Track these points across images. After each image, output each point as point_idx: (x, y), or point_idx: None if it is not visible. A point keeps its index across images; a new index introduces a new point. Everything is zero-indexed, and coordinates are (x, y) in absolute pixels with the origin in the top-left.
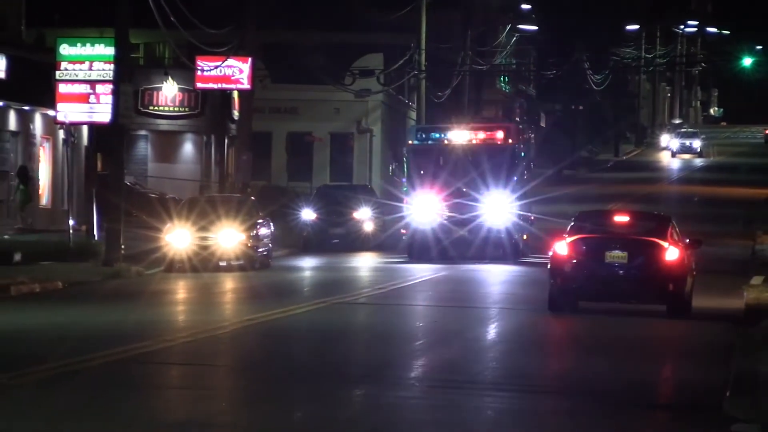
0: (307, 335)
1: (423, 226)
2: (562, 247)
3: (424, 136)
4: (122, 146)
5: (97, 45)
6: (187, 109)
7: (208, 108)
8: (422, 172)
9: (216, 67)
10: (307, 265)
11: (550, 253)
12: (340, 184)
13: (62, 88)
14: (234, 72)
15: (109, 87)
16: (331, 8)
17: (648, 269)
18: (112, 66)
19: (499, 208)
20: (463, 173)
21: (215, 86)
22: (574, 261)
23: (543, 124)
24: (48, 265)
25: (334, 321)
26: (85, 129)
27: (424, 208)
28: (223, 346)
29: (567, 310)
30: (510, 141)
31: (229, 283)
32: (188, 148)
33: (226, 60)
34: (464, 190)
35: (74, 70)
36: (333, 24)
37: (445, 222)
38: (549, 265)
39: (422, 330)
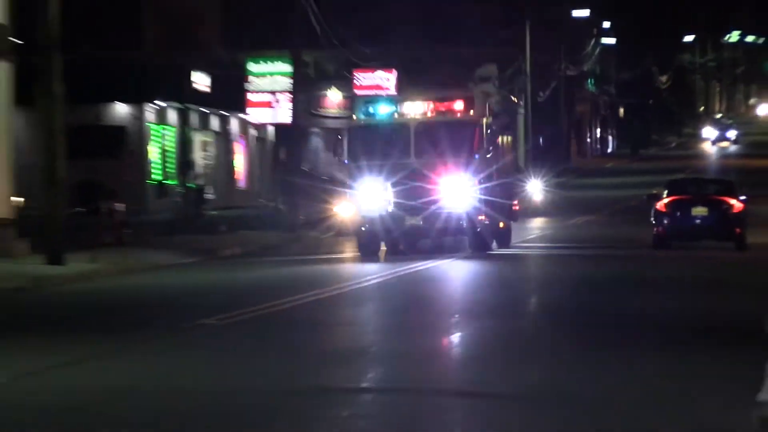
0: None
1: (370, 215)
2: (661, 206)
3: (371, 110)
4: (299, 141)
5: (277, 63)
6: (348, 111)
7: None
8: (368, 151)
9: (368, 77)
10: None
11: (653, 211)
12: None
13: (251, 97)
14: (382, 81)
15: (288, 96)
16: (454, 27)
17: (721, 219)
18: (289, 79)
19: (458, 192)
20: (416, 152)
21: (369, 92)
22: (670, 215)
23: (621, 116)
24: (245, 233)
25: None
26: (270, 128)
27: (372, 193)
28: (373, 293)
29: (665, 248)
30: (471, 113)
31: None
32: None
33: (375, 71)
34: (418, 170)
35: (260, 83)
36: (457, 40)
37: (396, 209)
38: (653, 219)
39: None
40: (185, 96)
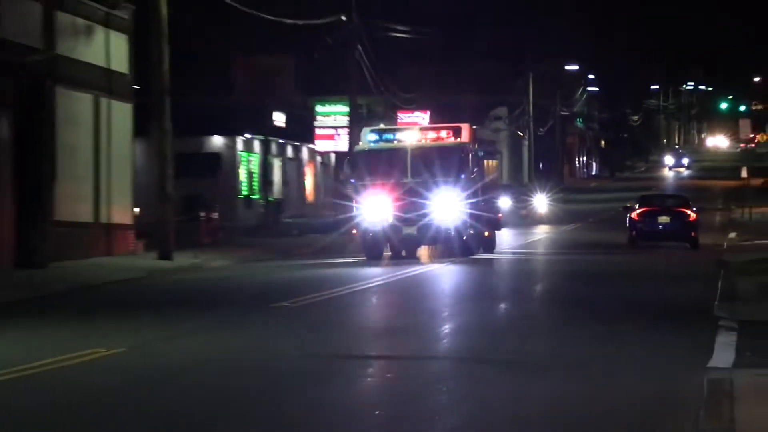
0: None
1: (374, 227)
2: (634, 215)
3: (375, 137)
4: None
5: (338, 105)
6: None
7: None
8: (372, 172)
9: (408, 116)
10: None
11: (628, 219)
12: None
13: (318, 131)
14: (419, 119)
15: (346, 130)
16: (474, 77)
17: (681, 225)
18: (347, 117)
19: (447, 206)
20: (412, 173)
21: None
22: (641, 222)
23: (602, 146)
24: (312, 236)
25: None
26: (332, 155)
27: (375, 208)
28: (394, 287)
29: (637, 247)
30: (457, 140)
31: None
32: None
33: (414, 112)
34: (413, 188)
35: (325, 120)
36: (476, 88)
37: (395, 222)
38: (628, 225)
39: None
40: (267, 130)
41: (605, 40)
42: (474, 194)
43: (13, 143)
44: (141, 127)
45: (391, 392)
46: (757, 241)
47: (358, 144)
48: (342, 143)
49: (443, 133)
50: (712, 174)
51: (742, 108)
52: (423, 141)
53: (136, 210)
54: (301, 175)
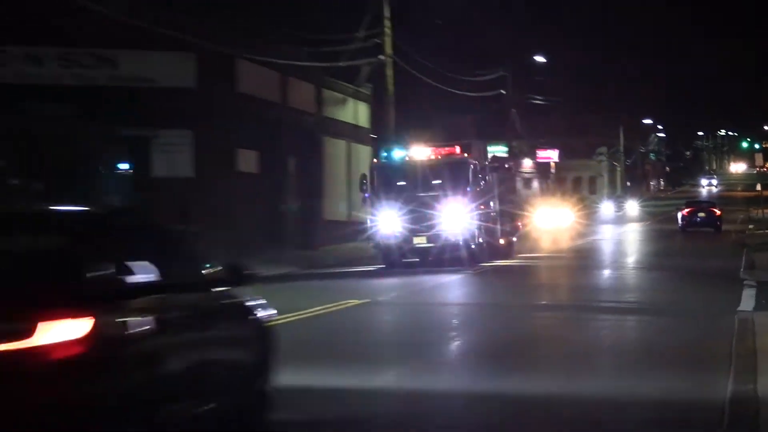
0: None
1: (387, 236)
2: (683, 212)
3: (389, 154)
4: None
5: (500, 145)
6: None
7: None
8: (386, 186)
9: (542, 152)
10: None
11: (679, 215)
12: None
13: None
14: (551, 155)
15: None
16: (584, 125)
17: (711, 217)
18: (506, 154)
19: (454, 217)
20: (423, 186)
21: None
22: (686, 216)
23: (668, 171)
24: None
25: None
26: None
27: (388, 219)
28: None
29: (684, 233)
30: (465, 156)
31: None
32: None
33: (546, 150)
34: (423, 201)
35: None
36: (586, 132)
37: (406, 232)
38: (679, 218)
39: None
40: None
41: (670, 103)
42: (483, 205)
43: (297, 174)
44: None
45: None
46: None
47: (373, 161)
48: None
49: (452, 149)
50: (734, 187)
51: (757, 146)
52: (433, 157)
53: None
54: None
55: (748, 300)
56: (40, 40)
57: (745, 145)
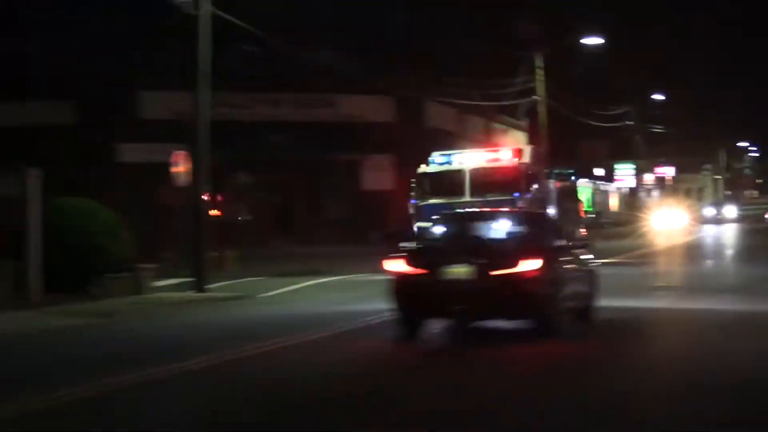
0: None
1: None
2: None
3: (439, 160)
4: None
5: (627, 164)
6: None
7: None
8: (435, 192)
9: (660, 169)
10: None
11: (766, 216)
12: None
13: (616, 176)
14: (668, 172)
15: (633, 178)
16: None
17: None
18: (633, 171)
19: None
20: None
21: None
22: None
23: (761, 183)
24: None
25: None
26: (625, 190)
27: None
28: None
29: None
30: (515, 161)
31: None
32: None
33: (663, 167)
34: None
35: (620, 172)
36: (691, 153)
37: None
38: (766, 218)
39: None
40: (594, 176)
41: (763, 124)
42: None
43: None
44: None
45: None
46: None
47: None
48: (628, 183)
49: (501, 154)
50: None
51: None
52: (482, 162)
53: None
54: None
55: None
56: (280, 88)
57: None
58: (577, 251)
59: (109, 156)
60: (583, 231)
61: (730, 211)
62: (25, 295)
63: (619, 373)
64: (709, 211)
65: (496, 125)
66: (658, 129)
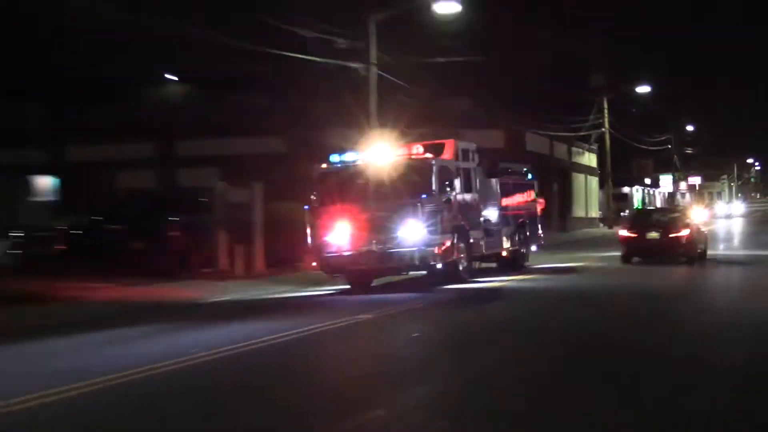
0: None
1: (334, 248)
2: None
3: (338, 158)
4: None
5: (667, 175)
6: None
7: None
8: (332, 192)
9: (691, 179)
10: None
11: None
12: None
13: (661, 183)
14: (695, 181)
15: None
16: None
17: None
18: (671, 179)
19: (410, 227)
20: (374, 192)
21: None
22: None
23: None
24: None
25: None
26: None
27: (336, 228)
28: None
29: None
30: (428, 156)
31: None
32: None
33: (696, 176)
34: (374, 208)
35: (662, 180)
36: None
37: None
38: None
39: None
40: (643, 184)
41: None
42: (449, 212)
43: (558, 192)
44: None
45: None
46: None
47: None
48: (668, 188)
49: (414, 149)
50: None
51: None
52: (391, 159)
53: (597, 213)
54: (654, 200)
55: None
56: (425, 124)
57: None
58: (699, 226)
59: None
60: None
61: (738, 208)
62: (252, 269)
63: (720, 273)
64: (722, 208)
65: (575, 149)
66: (689, 150)
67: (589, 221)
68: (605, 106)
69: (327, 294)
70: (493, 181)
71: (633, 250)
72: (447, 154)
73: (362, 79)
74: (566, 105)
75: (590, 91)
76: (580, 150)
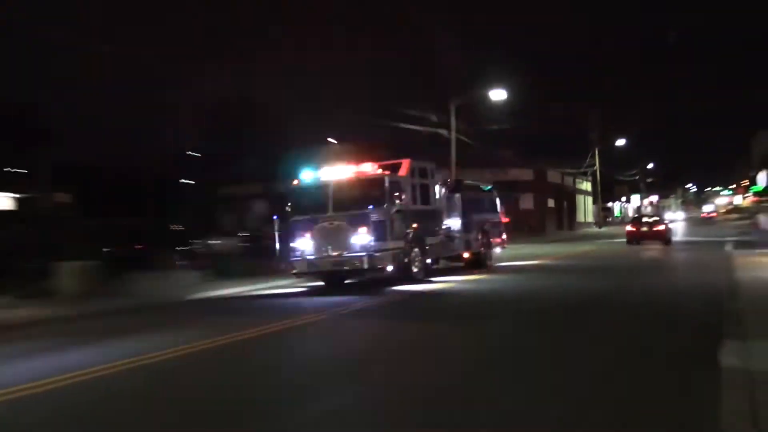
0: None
1: (302, 258)
2: (701, 215)
3: (305, 175)
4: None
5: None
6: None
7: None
8: (302, 206)
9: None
10: None
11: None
12: None
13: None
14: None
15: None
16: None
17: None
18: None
19: (361, 238)
20: (334, 205)
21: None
22: (704, 217)
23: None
24: None
25: None
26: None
27: (302, 240)
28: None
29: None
30: (379, 172)
31: None
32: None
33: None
34: (334, 221)
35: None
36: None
37: (320, 253)
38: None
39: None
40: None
41: (699, 165)
42: (400, 223)
43: (567, 207)
44: (593, 202)
45: None
46: None
47: (292, 183)
48: (637, 204)
49: (365, 167)
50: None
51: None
52: (345, 176)
53: (592, 219)
54: (628, 211)
55: (729, 246)
56: (484, 166)
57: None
58: (669, 224)
59: None
60: (503, 234)
61: (681, 215)
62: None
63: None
64: (671, 216)
65: (578, 179)
66: (650, 180)
67: (587, 224)
68: (596, 153)
69: (289, 293)
70: (457, 195)
71: (633, 237)
72: (402, 172)
73: (446, 139)
74: (572, 152)
75: (588, 143)
76: (581, 180)
